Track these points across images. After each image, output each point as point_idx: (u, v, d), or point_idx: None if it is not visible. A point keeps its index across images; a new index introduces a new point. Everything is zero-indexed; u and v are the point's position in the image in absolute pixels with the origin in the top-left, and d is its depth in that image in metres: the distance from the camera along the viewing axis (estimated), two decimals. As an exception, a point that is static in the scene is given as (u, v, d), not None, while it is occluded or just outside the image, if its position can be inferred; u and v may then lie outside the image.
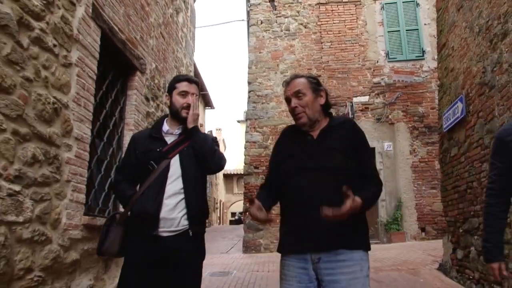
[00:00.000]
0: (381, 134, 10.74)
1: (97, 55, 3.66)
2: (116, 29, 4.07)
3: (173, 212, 2.36)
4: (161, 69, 5.54)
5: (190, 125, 2.48)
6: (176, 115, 2.54)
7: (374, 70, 11.21)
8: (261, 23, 11.88)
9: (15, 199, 2.56)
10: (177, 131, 2.54)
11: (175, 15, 6.34)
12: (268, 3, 11.95)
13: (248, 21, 12.59)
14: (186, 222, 2.37)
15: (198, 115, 2.52)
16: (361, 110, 10.91)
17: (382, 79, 11.13)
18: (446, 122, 5.89)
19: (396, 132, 10.71)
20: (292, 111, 2.19)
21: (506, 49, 4.18)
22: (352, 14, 11.66)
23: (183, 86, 2.54)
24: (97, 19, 3.65)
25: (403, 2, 11.51)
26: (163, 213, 2.34)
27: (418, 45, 11.25)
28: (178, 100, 2.52)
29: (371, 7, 11.66)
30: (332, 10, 11.73)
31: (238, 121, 43.97)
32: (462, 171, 5.30)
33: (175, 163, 2.45)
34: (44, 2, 2.86)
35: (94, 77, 3.61)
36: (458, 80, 5.57)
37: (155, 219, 2.33)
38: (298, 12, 11.86)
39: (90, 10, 3.54)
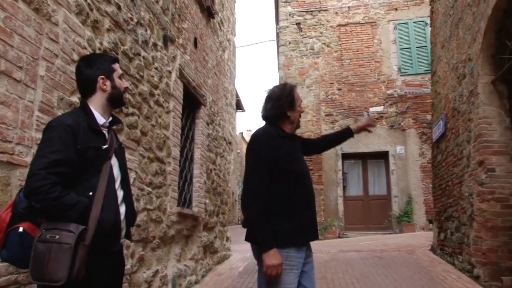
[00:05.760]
0: (394, 139, 12.40)
1: (181, 101, 5.55)
2: (191, 80, 5.96)
3: (123, 221, 2.08)
4: (215, 99, 7.42)
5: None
6: (118, 101, 2.19)
7: (388, 83, 12.87)
8: (289, 43, 13.67)
9: (150, 196, 4.48)
10: (107, 123, 2.13)
11: (222, 54, 8.21)
12: (295, 26, 13.73)
13: (277, 42, 14.41)
14: (124, 232, 2.11)
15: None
16: (377, 119, 12.56)
17: (395, 91, 12.77)
18: (434, 134, 7.56)
19: (407, 137, 12.35)
20: (299, 117, 2.53)
21: (465, 87, 5.85)
22: (368, 34, 13.32)
23: (118, 67, 2.20)
24: (181, 77, 5.55)
25: (413, 22, 13.08)
26: (121, 224, 2.07)
27: (427, 60, 12.75)
28: (121, 84, 2.18)
29: (385, 27, 13.28)
30: (351, 31, 13.43)
31: (267, 122, 45.54)
32: (443, 173, 6.96)
33: (114, 164, 2.10)
34: (159, 77, 4.78)
35: (180, 116, 5.51)
36: (442, 103, 7.23)
37: (119, 230, 2.05)
38: (321, 33, 13.59)
39: (178, 73, 5.43)
